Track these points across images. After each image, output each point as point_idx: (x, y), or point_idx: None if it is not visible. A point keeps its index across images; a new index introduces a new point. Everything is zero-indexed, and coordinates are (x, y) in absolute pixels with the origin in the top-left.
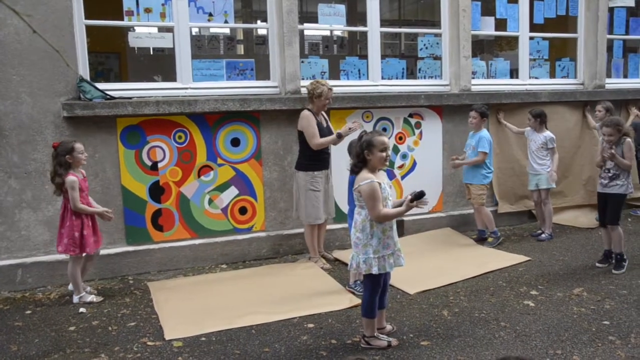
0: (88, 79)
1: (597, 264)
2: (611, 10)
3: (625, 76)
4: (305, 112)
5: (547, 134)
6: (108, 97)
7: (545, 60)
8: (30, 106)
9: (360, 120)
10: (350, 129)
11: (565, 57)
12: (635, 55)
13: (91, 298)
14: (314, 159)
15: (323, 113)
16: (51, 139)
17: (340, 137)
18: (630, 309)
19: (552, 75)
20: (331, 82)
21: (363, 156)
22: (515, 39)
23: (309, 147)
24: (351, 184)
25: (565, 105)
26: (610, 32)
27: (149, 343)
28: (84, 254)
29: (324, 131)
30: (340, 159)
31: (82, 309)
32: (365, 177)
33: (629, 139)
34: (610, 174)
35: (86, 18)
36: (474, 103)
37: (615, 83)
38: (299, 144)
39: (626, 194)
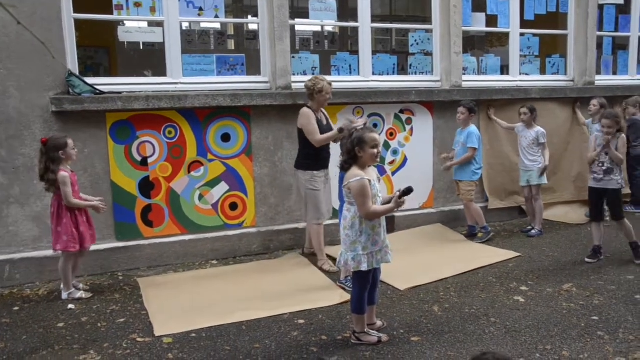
0: (77, 73)
1: (587, 260)
2: (601, 7)
3: (614, 73)
4: (305, 110)
5: (539, 129)
6: (97, 91)
7: (535, 57)
8: (18, 100)
9: (352, 117)
10: (351, 122)
11: (555, 53)
12: (625, 53)
13: (80, 294)
14: (314, 158)
15: (323, 110)
16: (39, 133)
17: (341, 131)
18: (618, 305)
19: (543, 71)
20: (309, 78)
21: (354, 153)
22: (506, 35)
23: (308, 145)
24: (341, 180)
25: (556, 101)
26: (600, 29)
27: (138, 339)
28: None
29: (324, 128)
30: (336, 155)
31: (71, 306)
32: (355, 174)
33: (624, 135)
34: (604, 168)
35: (75, 11)
36: (464, 99)
37: (604, 80)
38: (299, 142)
39: (622, 188)
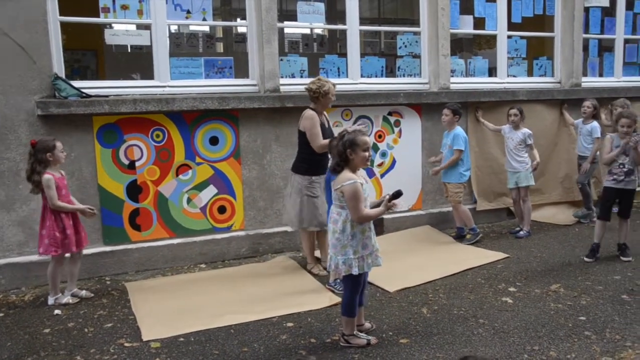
0: (63, 76)
1: (585, 259)
2: (587, 10)
3: (600, 75)
4: (310, 112)
5: (525, 130)
6: (84, 95)
7: (523, 59)
8: (2, 104)
9: (340, 119)
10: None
11: (542, 55)
12: (610, 55)
13: (67, 299)
14: (313, 163)
15: (325, 113)
16: (25, 137)
17: None
18: (605, 305)
19: (530, 73)
20: (310, 81)
21: (345, 155)
22: (493, 38)
23: (308, 149)
24: (328, 182)
25: (543, 103)
26: (586, 31)
27: (126, 344)
28: (67, 255)
29: (327, 132)
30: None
31: (57, 311)
32: (347, 177)
33: None
34: (625, 169)
35: (61, 14)
36: (452, 101)
37: (591, 82)
38: (299, 145)
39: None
